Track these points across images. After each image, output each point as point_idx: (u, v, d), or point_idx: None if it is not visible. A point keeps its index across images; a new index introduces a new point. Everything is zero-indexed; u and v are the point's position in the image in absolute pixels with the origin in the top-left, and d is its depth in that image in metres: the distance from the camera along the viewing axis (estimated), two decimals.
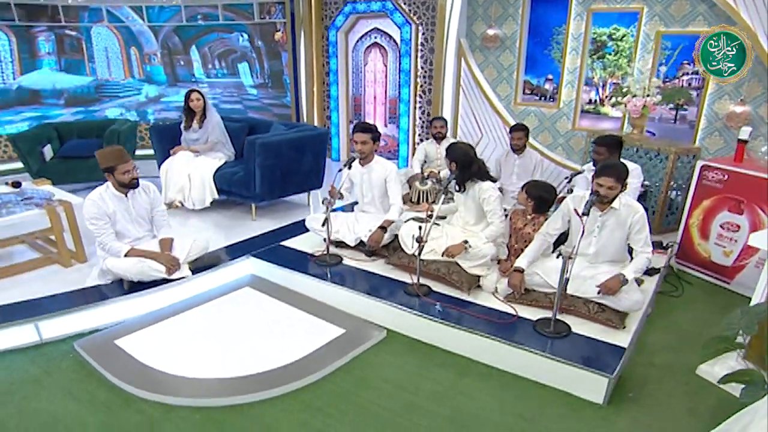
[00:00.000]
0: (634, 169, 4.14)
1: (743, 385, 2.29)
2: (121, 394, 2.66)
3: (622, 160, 4.17)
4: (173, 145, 5.21)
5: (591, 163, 4.29)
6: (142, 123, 7.58)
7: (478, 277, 3.39)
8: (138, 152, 6.33)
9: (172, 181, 4.97)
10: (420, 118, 6.64)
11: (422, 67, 6.43)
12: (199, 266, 3.72)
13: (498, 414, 2.54)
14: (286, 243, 4.22)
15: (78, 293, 3.38)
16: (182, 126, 5.24)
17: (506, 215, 3.55)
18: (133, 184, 3.45)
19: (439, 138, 5.45)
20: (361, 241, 3.86)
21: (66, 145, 5.57)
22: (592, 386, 2.61)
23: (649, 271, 3.68)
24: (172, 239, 3.64)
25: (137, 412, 2.54)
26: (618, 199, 3.00)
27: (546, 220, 3.31)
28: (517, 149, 4.99)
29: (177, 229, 4.14)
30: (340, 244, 4.01)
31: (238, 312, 3.44)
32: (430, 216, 3.32)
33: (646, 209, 4.49)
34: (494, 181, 3.55)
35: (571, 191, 4.18)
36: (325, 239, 3.82)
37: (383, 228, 3.74)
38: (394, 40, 6.61)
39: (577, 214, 2.84)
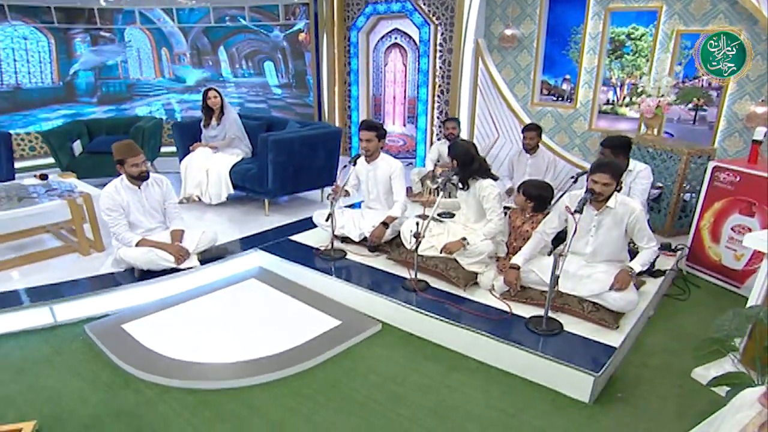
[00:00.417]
0: (644, 170, 4.08)
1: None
2: (123, 374, 2.80)
3: (632, 160, 4.12)
4: (194, 141, 5.40)
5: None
6: (170, 120, 7.84)
7: (476, 274, 3.41)
8: (163, 149, 6.57)
9: (190, 176, 5.16)
10: (438, 118, 6.67)
11: (441, 68, 6.46)
12: (208, 257, 3.86)
13: (482, 408, 2.56)
14: (295, 237, 4.32)
15: (92, 280, 3.56)
16: (202, 124, 5.43)
17: (506, 213, 3.55)
18: (141, 177, 3.61)
19: (451, 139, 5.46)
20: (365, 237, 3.92)
21: (94, 141, 5.83)
22: (578, 384, 2.60)
23: (654, 273, 3.62)
24: (183, 231, 3.79)
25: (135, 391, 2.67)
26: (614, 198, 2.97)
27: (544, 218, 3.30)
28: (530, 149, 4.97)
29: (191, 221, 4.30)
30: (345, 239, 4.08)
31: (241, 302, 3.56)
32: (428, 212, 3.36)
33: (657, 211, 4.46)
34: (495, 179, 3.56)
35: None
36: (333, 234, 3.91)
37: (385, 224, 3.80)
38: (414, 41, 6.66)
39: (570, 212, 2.83)
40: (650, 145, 4.49)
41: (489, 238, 3.41)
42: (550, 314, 3.01)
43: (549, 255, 3.29)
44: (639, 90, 4.73)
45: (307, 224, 4.53)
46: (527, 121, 5.78)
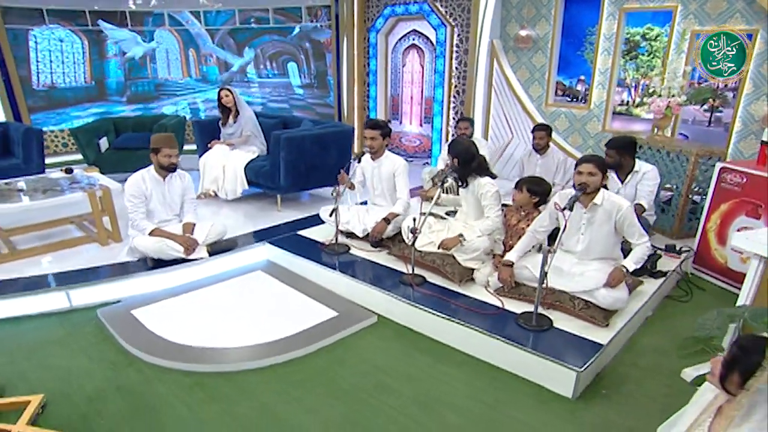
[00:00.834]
0: (650, 170, 4.06)
1: None
2: (128, 356, 2.97)
3: (638, 161, 4.10)
4: (213, 139, 5.60)
5: None
6: (193, 119, 8.11)
7: (472, 270, 3.46)
8: (186, 147, 6.80)
9: (208, 172, 5.36)
10: (453, 119, 6.71)
11: (457, 68, 6.50)
12: (217, 249, 4.02)
13: (464, 399, 2.62)
14: (303, 232, 4.45)
15: (107, 268, 3.77)
16: (220, 122, 5.63)
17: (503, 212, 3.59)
18: (170, 168, 3.84)
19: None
20: (369, 233, 4.02)
21: (120, 138, 6.10)
22: (562, 380, 2.63)
23: (655, 274, 3.60)
24: (195, 224, 3.96)
25: (137, 371, 2.83)
26: (600, 195, 2.99)
27: (539, 216, 3.33)
28: (540, 149, 4.98)
29: (208, 216, 4.51)
30: (350, 234, 4.19)
31: (245, 292, 3.70)
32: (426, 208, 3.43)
33: (666, 212, 4.41)
34: (494, 177, 3.60)
35: None
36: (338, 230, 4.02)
37: (387, 220, 3.88)
38: (431, 42, 6.72)
39: (558, 209, 2.86)
40: (660, 146, 4.44)
41: (485, 235, 3.46)
42: (542, 311, 3.05)
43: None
44: (650, 91, 4.68)
45: (317, 220, 4.64)
46: (541, 121, 5.77)
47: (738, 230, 3.66)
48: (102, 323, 3.29)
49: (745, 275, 3.62)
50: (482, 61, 6.13)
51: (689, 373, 2.76)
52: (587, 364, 2.60)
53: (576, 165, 2.98)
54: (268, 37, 8.21)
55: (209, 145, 5.50)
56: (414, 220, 3.34)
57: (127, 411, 2.53)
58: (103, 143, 5.87)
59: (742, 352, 1.60)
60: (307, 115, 7.88)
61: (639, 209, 3.98)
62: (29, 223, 4.42)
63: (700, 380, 2.39)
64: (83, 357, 2.97)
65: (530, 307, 3.12)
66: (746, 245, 2.49)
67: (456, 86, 6.56)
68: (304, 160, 4.91)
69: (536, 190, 3.45)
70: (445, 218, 3.91)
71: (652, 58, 5.03)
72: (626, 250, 3.19)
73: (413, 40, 6.98)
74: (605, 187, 3.12)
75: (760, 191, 3.54)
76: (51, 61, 7.17)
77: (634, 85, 5.24)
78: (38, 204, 3.97)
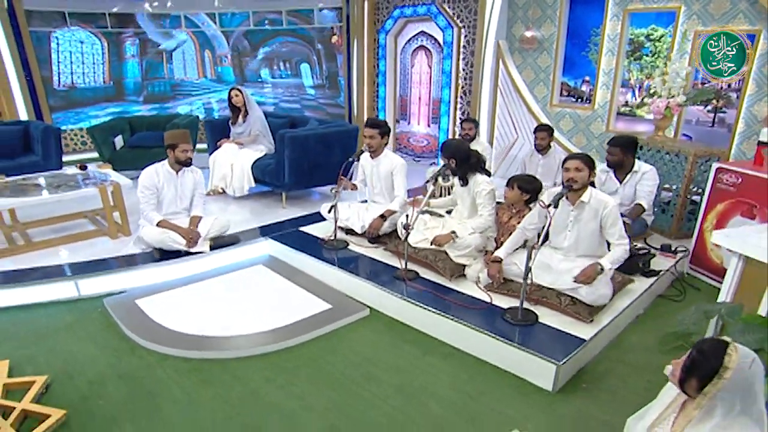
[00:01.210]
0: (649, 171, 4.08)
1: None
2: (130, 342, 3.12)
3: (638, 161, 4.13)
4: (223, 138, 5.77)
5: (605, 164, 4.27)
6: (207, 118, 8.31)
7: (464, 266, 3.53)
8: (200, 146, 6.99)
9: (217, 170, 5.52)
10: (460, 119, 6.77)
11: (464, 69, 6.57)
12: (220, 244, 4.16)
13: (446, 389, 2.70)
14: (304, 228, 4.57)
15: (114, 259, 3.93)
16: (230, 121, 5.79)
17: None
18: (187, 163, 4.05)
19: (468, 140, 5.56)
20: None
21: (135, 136, 6.31)
22: (542, 373, 2.69)
23: (647, 273, 3.63)
24: (201, 217, 4.12)
25: (138, 357, 2.98)
26: (588, 192, 3.04)
27: (529, 213, 3.38)
28: (541, 149, 5.02)
29: (216, 212, 4.67)
30: (350, 231, 4.29)
31: (245, 285, 3.83)
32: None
33: (665, 212, 4.41)
34: (489, 174, 3.67)
35: None
36: (338, 226, 4.13)
37: (383, 217, 3.98)
38: (439, 43, 6.79)
39: (543, 206, 2.92)
40: (659, 146, 4.45)
41: (477, 232, 3.53)
42: (529, 306, 3.12)
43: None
44: (651, 91, 4.69)
45: (319, 217, 4.76)
46: (546, 122, 5.81)
47: None
48: (107, 312, 3.44)
49: None
50: (488, 62, 6.19)
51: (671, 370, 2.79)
52: (567, 358, 2.66)
53: (563, 162, 3.04)
54: (281, 38, 8.38)
55: (218, 144, 5.67)
56: (407, 216, 3.43)
57: (126, 394, 2.67)
58: (118, 141, 6.08)
59: (701, 357, 1.60)
60: (319, 116, 8.02)
61: (638, 209, 4.01)
62: (45, 216, 4.63)
63: None
64: (88, 343, 3.13)
65: (518, 303, 3.18)
66: (726, 243, 2.52)
67: (463, 87, 6.63)
68: (307, 158, 5.03)
69: (527, 187, 3.51)
70: (442, 216, 3.98)
71: (656, 58, 5.03)
72: (631, 253, 3.22)
73: (421, 41, 7.06)
74: (593, 185, 3.17)
75: (755, 191, 3.55)
76: (71, 62, 7.44)
77: (638, 85, 5.25)
78: (52, 198, 4.16)
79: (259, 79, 8.69)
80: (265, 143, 5.70)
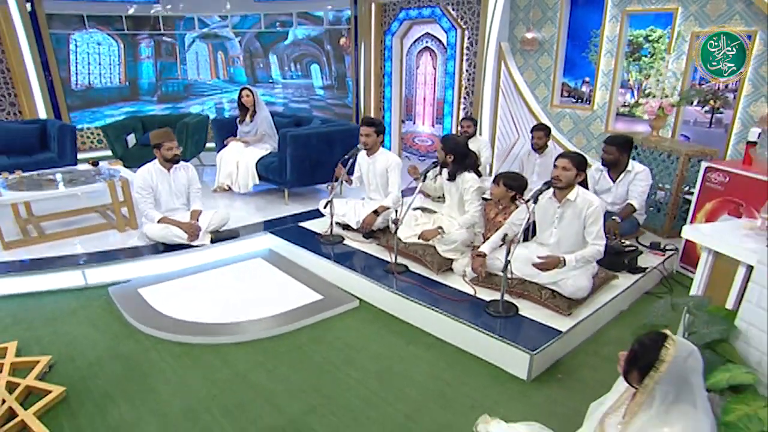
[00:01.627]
0: (642, 171, 4.14)
1: None
2: (129, 327, 3.30)
3: (632, 161, 4.19)
4: (230, 136, 5.95)
5: (600, 163, 4.33)
6: (215, 117, 8.54)
7: (451, 260, 3.64)
8: (209, 144, 7.19)
9: (223, 167, 5.72)
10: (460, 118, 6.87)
11: (467, 70, 6.66)
12: (221, 238, 4.33)
13: (424, 376, 2.81)
14: (304, 224, 4.72)
15: (120, 251, 4.13)
16: (238, 120, 5.98)
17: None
18: (175, 159, 4.19)
19: (467, 137, 5.65)
20: None
21: (146, 135, 6.52)
22: (517, 362, 2.79)
23: (633, 270, 3.69)
24: (201, 211, 4.29)
25: (135, 341, 3.15)
26: (575, 191, 3.12)
27: (516, 209, 3.48)
28: (538, 148, 5.10)
29: (220, 207, 4.85)
30: (346, 226, 4.43)
31: (243, 276, 3.99)
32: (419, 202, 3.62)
33: (658, 210, 4.46)
34: (479, 174, 3.77)
35: None
36: (335, 221, 4.27)
37: (376, 212, 4.10)
38: (443, 45, 6.89)
39: (523, 201, 3.01)
40: (653, 146, 4.50)
41: (464, 228, 3.63)
42: (512, 299, 3.21)
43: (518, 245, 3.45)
44: (646, 92, 4.74)
45: (319, 213, 4.90)
46: (547, 122, 5.87)
47: None
48: (111, 299, 3.63)
49: None
50: (490, 63, 6.27)
51: None
52: (540, 348, 2.75)
53: (555, 159, 3.13)
54: (292, 39, 8.56)
55: (225, 142, 5.86)
56: (396, 211, 3.55)
57: (122, 374, 2.84)
58: (131, 139, 6.31)
59: (640, 349, 1.70)
60: (327, 116, 8.18)
61: (629, 209, 4.08)
62: (58, 210, 4.86)
63: None
64: (91, 327, 3.32)
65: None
66: (695, 237, 2.59)
67: (466, 87, 6.72)
68: (309, 156, 5.18)
69: (512, 184, 3.60)
70: (434, 212, 4.09)
71: (655, 59, 5.07)
72: (614, 247, 3.30)
73: (426, 43, 7.17)
74: (583, 184, 3.24)
75: (742, 190, 3.59)
76: (89, 63, 7.73)
77: (637, 86, 5.29)
78: (62, 192, 4.39)
79: (270, 80, 8.89)
80: (270, 142, 5.87)
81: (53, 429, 2.38)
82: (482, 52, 6.27)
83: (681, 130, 5.00)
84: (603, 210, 3.16)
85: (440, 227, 3.60)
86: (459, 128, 5.73)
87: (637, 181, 4.13)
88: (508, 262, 2.93)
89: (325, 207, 4.17)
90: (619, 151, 4.14)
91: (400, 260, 3.75)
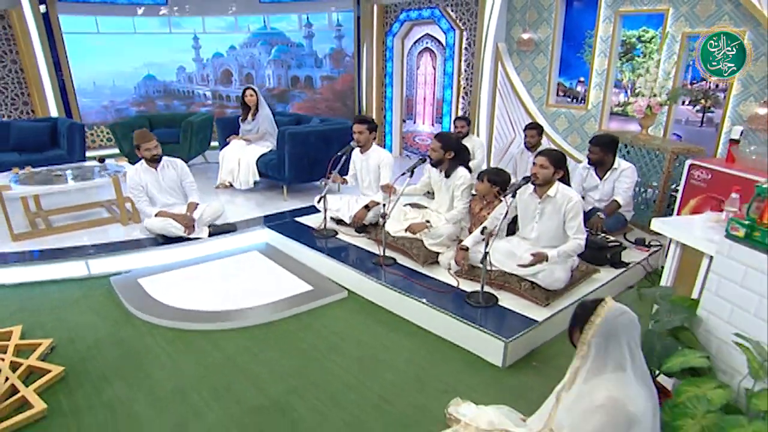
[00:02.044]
0: (628, 168, 4.23)
1: None
2: (127, 314, 3.48)
3: (618, 159, 4.28)
4: (233, 134, 6.13)
5: (586, 162, 4.43)
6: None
7: (437, 253, 3.76)
8: (214, 143, 7.38)
9: (225, 164, 5.89)
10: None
11: (465, 71, 6.77)
12: (219, 231, 4.50)
13: (403, 362, 2.94)
14: (300, 219, 4.87)
15: (122, 243, 4.31)
16: (240, 119, 6.15)
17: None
18: (154, 159, 4.36)
19: (461, 137, 5.75)
20: None
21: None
22: (493, 350, 2.90)
23: (616, 265, 3.78)
24: (197, 204, 4.47)
25: (132, 327, 3.32)
26: (555, 187, 3.22)
27: (500, 204, 3.59)
28: (531, 147, 5.19)
29: (223, 203, 5.03)
30: (340, 221, 4.57)
31: (238, 268, 4.15)
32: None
33: (646, 207, 4.54)
34: (470, 170, 3.89)
35: None
36: (328, 216, 4.42)
37: (367, 207, 4.24)
38: (443, 45, 7.01)
39: (501, 197, 3.13)
40: (641, 144, 4.58)
41: (451, 223, 3.75)
42: (492, 291, 3.33)
43: (501, 239, 3.57)
44: (636, 91, 4.82)
45: (316, 209, 5.05)
46: (542, 122, 5.96)
47: None
48: (112, 288, 3.81)
49: None
50: (487, 63, 6.37)
51: None
52: (515, 336, 2.87)
53: (535, 156, 3.24)
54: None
55: (227, 140, 6.03)
56: (384, 206, 3.68)
57: (118, 357, 3.00)
58: None
59: (580, 309, 1.89)
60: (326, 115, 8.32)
61: (614, 205, 4.18)
62: (66, 204, 5.06)
63: None
64: (92, 314, 3.49)
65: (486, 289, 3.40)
66: (662, 230, 2.69)
67: (464, 87, 6.83)
68: (307, 154, 5.33)
69: (496, 180, 3.71)
70: (424, 207, 4.22)
71: (647, 59, 5.14)
72: (599, 243, 3.40)
73: (426, 43, 7.30)
74: (565, 182, 3.34)
75: (723, 187, 3.66)
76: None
77: (630, 86, 5.36)
78: (68, 186, 4.58)
79: None
80: (271, 141, 6.03)
81: (52, 404, 2.55)
82: (480, 52, 6.38)
83: (673, 129, 5.07)
84: (582, 205, 3.26)
85: (428, 221, 3.72)
86: (453, 128, 5.84)
87: (623, 178, 4.22)
88: (486, 254, 3.05)
89: (318, 202, 4.31)
90: (604, 151, 4.24)
91: (389, 253, 3.88)
